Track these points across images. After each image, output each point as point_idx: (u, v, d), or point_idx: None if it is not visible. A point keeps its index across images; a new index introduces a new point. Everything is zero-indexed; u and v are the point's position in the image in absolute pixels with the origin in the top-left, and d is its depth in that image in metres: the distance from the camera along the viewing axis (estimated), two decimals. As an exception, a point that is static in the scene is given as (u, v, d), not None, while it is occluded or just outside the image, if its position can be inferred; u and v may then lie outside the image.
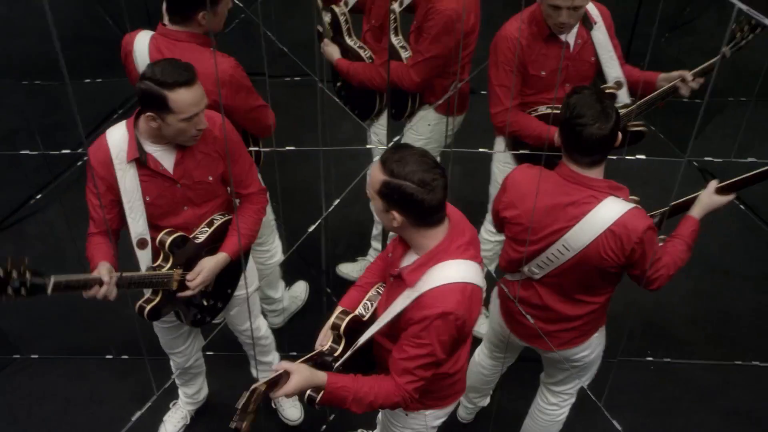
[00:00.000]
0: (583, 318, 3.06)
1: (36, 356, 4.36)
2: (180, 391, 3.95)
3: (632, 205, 2.79)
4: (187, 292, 3.10)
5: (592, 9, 3.56)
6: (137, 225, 3.00)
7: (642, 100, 3.60)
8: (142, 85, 2.80)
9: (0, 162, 5.37)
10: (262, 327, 3.80)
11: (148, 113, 2.82)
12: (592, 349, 3.24)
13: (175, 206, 3.06)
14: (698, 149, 5.33)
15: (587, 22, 3.53)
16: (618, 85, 3.61)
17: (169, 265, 3.05)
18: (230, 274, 3.26)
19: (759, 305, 4.67)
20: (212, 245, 3.14)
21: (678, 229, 3.07)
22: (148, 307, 3.10)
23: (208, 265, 3.11)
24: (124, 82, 5.88)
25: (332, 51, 3.97)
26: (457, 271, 2.48)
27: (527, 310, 3.12)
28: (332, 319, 2.73)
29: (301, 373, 2.49)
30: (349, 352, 2.66)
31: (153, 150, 2.95)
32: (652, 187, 4.76)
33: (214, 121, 3.01)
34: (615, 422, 3.33)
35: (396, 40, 3.84)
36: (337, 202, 4.02)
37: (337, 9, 3.96)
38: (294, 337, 4.12)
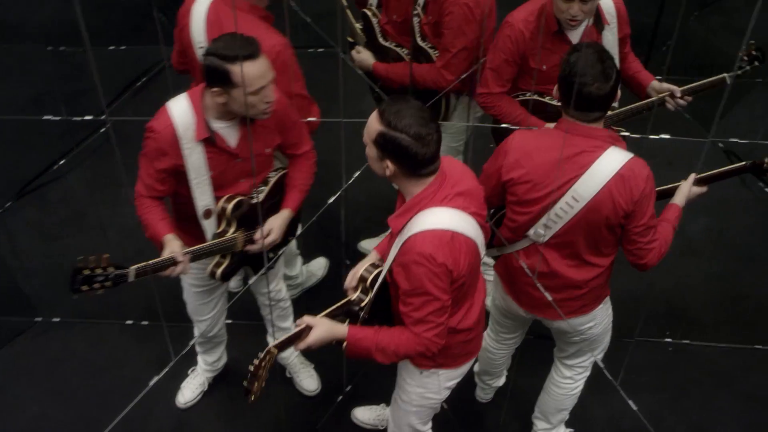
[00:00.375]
0: (589, 284, 3.08)
1: (57, 319, 4.41)
2: (199, 358, 3.98)
3: (631, 154, 2.86)
4: (255, 247, 3.22)
5: (608, 7, 3.46)
6: (203, 197, 3.07)
7: (626, 108, 3.58)
8: (206, 60, 2.81)
9: (24, 127, 5.42)
10: (283, 290, 3.82)
11: (214, 89, 2.83)
12: (598, 321, 3.27)
13: (234, 178, 3.13)
14: (724, 130, 5.27)
15: (599, 23, 3.45)
16: None
17: (233, 230, 3.15)
18: (289, 224, 3.38)
19: (781, 290, 4.63)
20: (270, 201, 3.26)
21: (664, 214, 3.10)
22: (219, 271, 3.23)
23: (277, 224, 3.25)
24: (148, 50, 5.97)
25: (365, 57, 3.94)
26: (437, 218, 2.56)
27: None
28: (361, 270, 2.84)
29: (322, 326, 2.65)
30: (368, 298, 2.77)
31: (219, 127, 2.98)
32: (676, 168, 4.70)
33: None
34: (630, 402, 3.32)
35: (424, 44, 3.80)
36: (357, 174, 4.01)
37: (368, 12, 3.91)
38: (310, 309, 4.14)
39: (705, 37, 5.96)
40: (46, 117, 5.24)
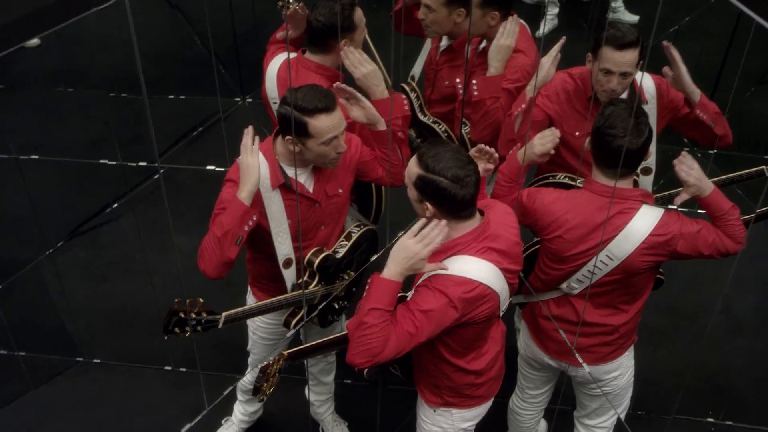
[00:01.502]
0: (620, 329, 3.12)
1: (98, 361, 4.46)
2: (238, 408, 3.97)
3: (662, 210, 2.90)
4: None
5: (648, 87, 3.43)
6: (283, 246, 3.11)
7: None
8: (282, 110, 2.89)
9: (81, 169, 5.57)
10: None
11: (288, 137, 2.90)
12: (622, 371, 3.29)
13: (313, 226, 3.17)
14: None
15: (639, 100, 3.45)
16: (644, 171, 3.54)
17: (315, 282, 3.20)
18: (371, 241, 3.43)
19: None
20: (351, 256, 3.29)
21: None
22: (294, 321, 3.27)
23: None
24: (206, 100, 6.12)
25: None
26: (467, 267, 2.58)
27: (562, 326, 3.15)
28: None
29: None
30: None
31: (293, 174, 3.02)
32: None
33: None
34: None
35: (426, 118, 3.84)
36: (402, 234, 4.03)
37: (407, 87, 3.94)
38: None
39: (760, 113, 5.91)
40: (102, 161, 5.38)
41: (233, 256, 2.94)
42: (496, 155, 3.01)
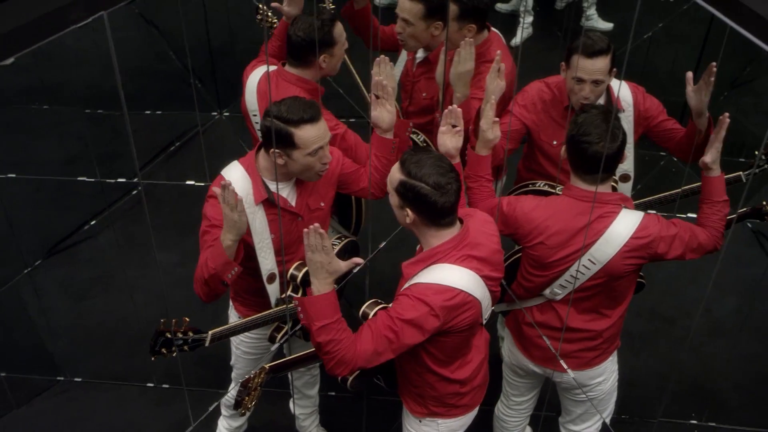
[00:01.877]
0: (604, 334, 3.15)
1: (79, 379, 4.42)
2: (223, 423, 3.93)
3: (642, 213, 2.95)
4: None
5: (624, 95, 3.45)
6: (267, 262, 3.10)
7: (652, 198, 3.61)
8: (266, 122, 2.87)
9: (59, 187, 5.53)
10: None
11: (273, 150, 2.88)
12: (607, 375, 3.32)
13: (296, 240, 3.15)
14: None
15: (610, 106, 3.45)
16: (623, 178, 3.58)
17: (299, 295, 3.16)
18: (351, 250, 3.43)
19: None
20: None
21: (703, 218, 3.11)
22: (279, 335, 3.26)
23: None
24: (183, 115, 6.10)
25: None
26: (448, 275, 2.59)
27: (546, 332, 3.17)
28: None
29: (318, 265, 2.54)
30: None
31: (276, 188, 3.02)
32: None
33: None
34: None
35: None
36: (383, 245, 4.03)
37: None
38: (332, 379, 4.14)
39: (735, 117, 5.97)
40: (80, 178, 5.35)
41: (223, 291, 2.97)
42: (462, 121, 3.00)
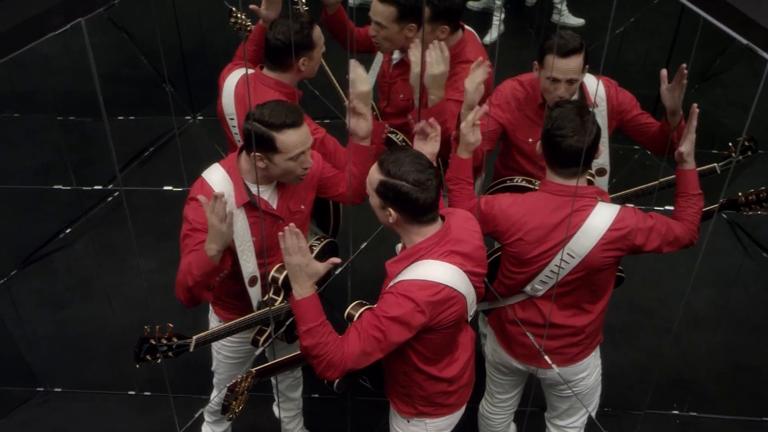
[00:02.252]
0: (586, 329, 3.17)
1: (59, 389, 4.37)
2: (206, 429, 3.90)
3: (618, 206, 2.97)
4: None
5: (598, 91, 3.47)
6: (248, 265, 3.09)
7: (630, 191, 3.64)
8: (248, 125, 2.86)
9: (33, 196, 5.47)
10: None
11: (255, 153, 2.87)
12: (591, 370, 3.34)
13: (277, 243, 3.08)
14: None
15: (583, 98, 3.49)
16: (599, 172, 3.61)
17: (281, 298, 3.18)
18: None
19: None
20: None
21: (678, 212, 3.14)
22: (262, 339, 3.25)
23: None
24: (156, 120, 6.05)
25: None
26: (432, 271, 2.61)
27: (528, 329, 3.19)
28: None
29: (300, 267, 2.57)
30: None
31: (257, 191, 3.01)
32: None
33: None
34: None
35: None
36: (364, 245, 4.03)
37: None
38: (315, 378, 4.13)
39: (706, 109, 6.02)
40: (56, 186, 5.29)
41: (208, 296, 2.99)
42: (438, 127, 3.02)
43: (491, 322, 3.38)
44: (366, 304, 2.88)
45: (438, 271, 2.62)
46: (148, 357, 2.88)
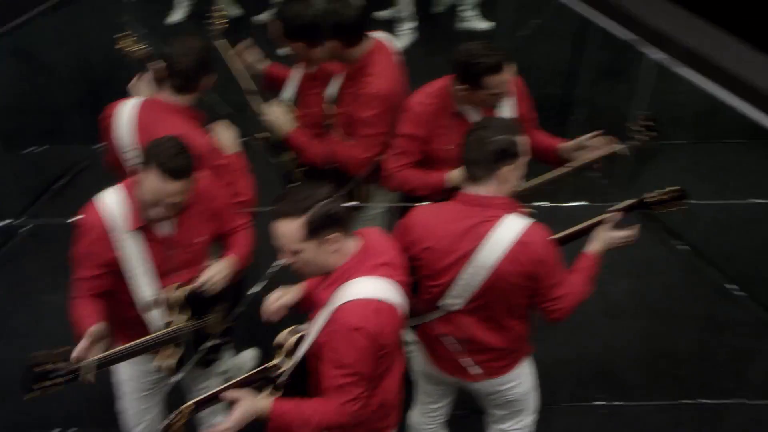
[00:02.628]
0: (509, 345, 3.16)
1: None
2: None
3: (530, 219, 2.96)
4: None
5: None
6: (144, 289, 3.02)
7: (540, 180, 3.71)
8: (143, 150, 2.88)
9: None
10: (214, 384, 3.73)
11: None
12: (521, 379, 3.33)
13: (174, 269, 3.10)
14: (640, 192, 5.42)
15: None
16: None
17: (186, 317, 3.10)
18: (230, 307, 3.36)
19: (703, 344, 4.74)
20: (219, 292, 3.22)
21: (576, 264, 3.20)
22: (174, 362, 3.17)
23: (218, 268, 3.16)
24: (69, 149, 5.88)
25: (283, 119, 3.91)
26: (364, 288, 2.59)
27: (452, 344, 3.17)
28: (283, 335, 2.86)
29: (247, 402, 2.61)
30: (290, 364, 2.75)
31: (153, 215, 2.95)
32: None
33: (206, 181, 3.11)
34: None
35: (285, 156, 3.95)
36: (284, 261, 4.01)
37: (258, 136, 4.04)
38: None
39: (611, 105, 6.16)
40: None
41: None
42: None
43: (419, 336, 3.35)
44: (299, 331, 2.82)
45: (370, 286, 2.61)
46: (36, 387, 2.74)
